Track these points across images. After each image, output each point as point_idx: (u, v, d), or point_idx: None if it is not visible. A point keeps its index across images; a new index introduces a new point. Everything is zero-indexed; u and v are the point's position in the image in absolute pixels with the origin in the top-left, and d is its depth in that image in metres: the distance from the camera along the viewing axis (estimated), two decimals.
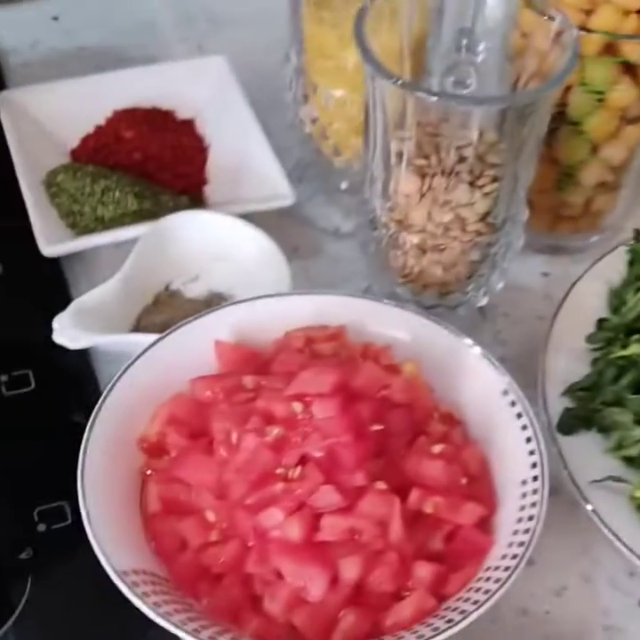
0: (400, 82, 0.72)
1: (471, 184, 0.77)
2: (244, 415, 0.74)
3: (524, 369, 0.87)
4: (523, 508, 0.73)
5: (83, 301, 0.85)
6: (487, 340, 0.90)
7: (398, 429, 0.74)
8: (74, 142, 1.02)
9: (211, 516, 0.72)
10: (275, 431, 0.72)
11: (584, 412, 0.83)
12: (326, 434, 0.71)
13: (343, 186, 1.00)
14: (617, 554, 0.78)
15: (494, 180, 0.77)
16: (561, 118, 0.87)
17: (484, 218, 0.79)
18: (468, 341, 0.80)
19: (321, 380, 0.72)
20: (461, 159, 0.76)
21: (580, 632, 0.77)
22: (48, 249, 0.91)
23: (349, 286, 0.95)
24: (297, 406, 0.72)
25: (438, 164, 0.76)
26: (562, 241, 0.99)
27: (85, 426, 0.74)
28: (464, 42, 0.80)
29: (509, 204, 0.79)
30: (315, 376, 0.73)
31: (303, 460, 0.71)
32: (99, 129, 1.02)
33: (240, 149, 1.01)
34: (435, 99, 0.72)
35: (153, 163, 0.99)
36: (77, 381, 0.89)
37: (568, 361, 0.86)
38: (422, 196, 0.77)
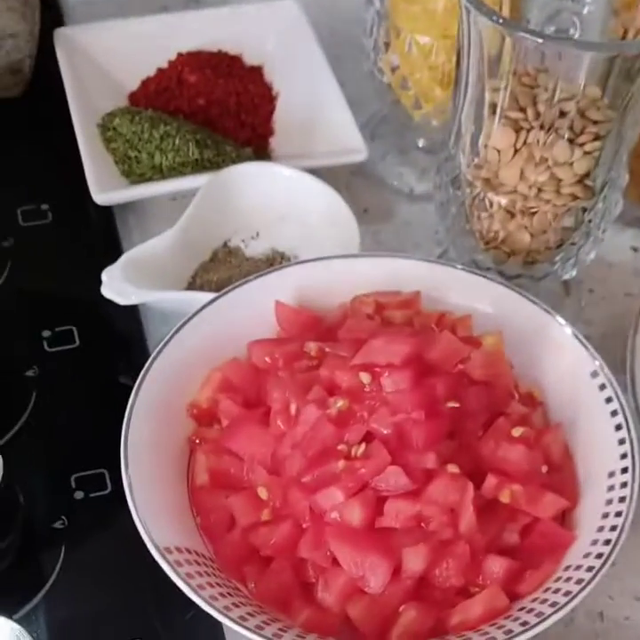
0: (501, 20, 0.64)
1: (571, 141, 0.70)
2: (306, 384, 0.69)
3: (610, 350, 0.81)
4: (609, 502, 0.67)
5: (135, 254, 0.79)
6: (570, 317, 0.83)
7: (475, 408, 0.69)
8: (133, 85, 0.96)
9: (263, 492, 0.67)
10: (339, 403, 0.67)
11: None
12: (395, 409, 0.66)
13: (420, 143, 0.94)
14: None
15: (596, 138, 0.70)
16: None
17: (581, 180, 0.72)
18: (556, 317, 0.73)
19: (393, 350, 0.67)
20: (561, 114, 0.69)
21: None
22: (101, 196, 0.85)
23: (422, 253, 0.89)
24: (365, 377, 0.67)
25: (535, 117, 0.70)
26: None
27: (132, 388, 0.69)
28: None
29: (611, 167, 0.72)
30: (386, 345, 0.67)
31: (368, 437, 0.66)
32: (160, 72, 0.96)
33: (310, 99, 0.95)
34: (540, 40, 0.64)
35: (216, 110, 0.93)
36: (125, 340, 0.83)
37: None
38: (516, 151, 0.71)
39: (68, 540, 0.72)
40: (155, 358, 0.71)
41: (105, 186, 0.85)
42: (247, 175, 0.84)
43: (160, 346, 0.71)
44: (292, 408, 0.67)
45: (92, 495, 0.74)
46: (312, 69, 0.95)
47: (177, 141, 0.87)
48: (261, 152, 0.93)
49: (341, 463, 0.64)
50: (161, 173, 0.88)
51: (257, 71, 0.98)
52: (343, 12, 0.94)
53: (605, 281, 0.89)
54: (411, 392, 0.65)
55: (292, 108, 0.95)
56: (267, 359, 0.71)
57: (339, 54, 0.98)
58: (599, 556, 0.63)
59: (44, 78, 0.97)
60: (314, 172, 0.86)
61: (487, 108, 0.71)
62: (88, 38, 0.96)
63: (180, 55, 0.96)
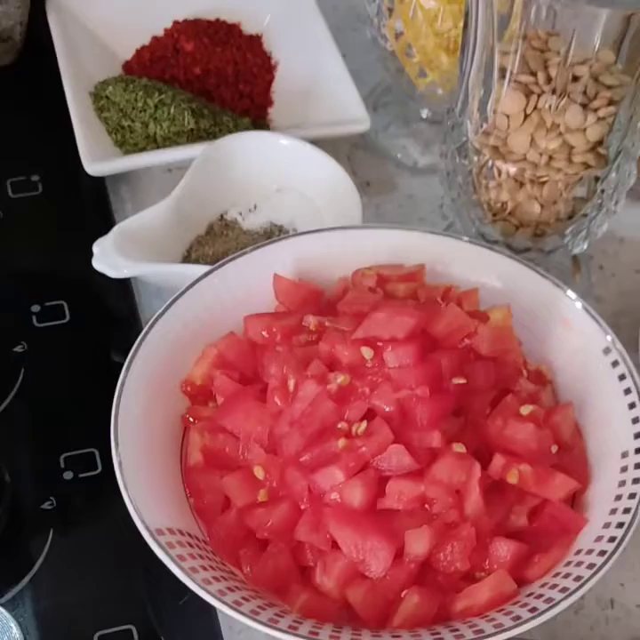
0: None
1: (584, 106, 0.67)
2: (305, 359, 0.66)
3: (621, 328, 0.78)
4: (622, 483, 0.64)
5: (127, 225, 0.76)
6: (580, 293, 0.80)
7: (482, 385, 0.66)
8: (128, 53, 0.93)
9: (259, 472, 0.64)
10: (339, 379, 0.63)
11: None
12: (399, 385, 0.63)
13: (424, 114, 0.91)
14: None
15: (610, 103, 0.67)
16: None
17: (594, 147, 0.69)
18: (567, 291, 0.70)
19: (396, 324, 0.64)
20: (574, 78, 0.66)
21: None
22: (93, 167, 0.82)
23: (427, 226, 0.85)
24: (366, 352, 0.64)
25: (547, 82, 0.67)
26: None
27: (119, 362, 0.67)
28: None
29: (625, 134, 0.69)
30: (389, 318, 0.64)
31: (370, 414, 0.63)
32: (156, 40, 0.93)
33: (311, 69, 0.92)
34: None
35: (213, 79, 0.90)
36: (118, 316, 0.80)
37: None
38: (526, 117, 0.68)
39: (57, 522, 0.69)
40: (146, 333, 0.68)
41: (97, 156, 0.82)
42: (244, 145, 0.81)
43: (152, 320, 0.68)
44: (291, 384, 0.64)
45: (81, 475, 0.71)
46: (313, 38, 0.92)
47: (172, 110, 0.84)
48: (260, 123, 0.90)
49: (341, 442, 0.61)
50: (155, 143, 0.85)
51: (256, 40, 0.95)
52: None
53: (616, 257, 0.86)
54: (415, 367, 0.62)
55: (292, 78, 0.93)
56: (264, 333, 0.68)
57: (340, 24, 0.96)
58: (612, 539, 0.60)
59: (35, 46, 0.94)
60: (314, 143, 0.83)
61: (496, 73, 0.68)
62: (81, 5, 0.93)
63: (176, 23, 0.93)
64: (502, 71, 0.68)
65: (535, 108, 0.68)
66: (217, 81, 0.90)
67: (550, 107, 0.67)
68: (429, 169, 0.89)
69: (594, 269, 0.85)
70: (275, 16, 0.96)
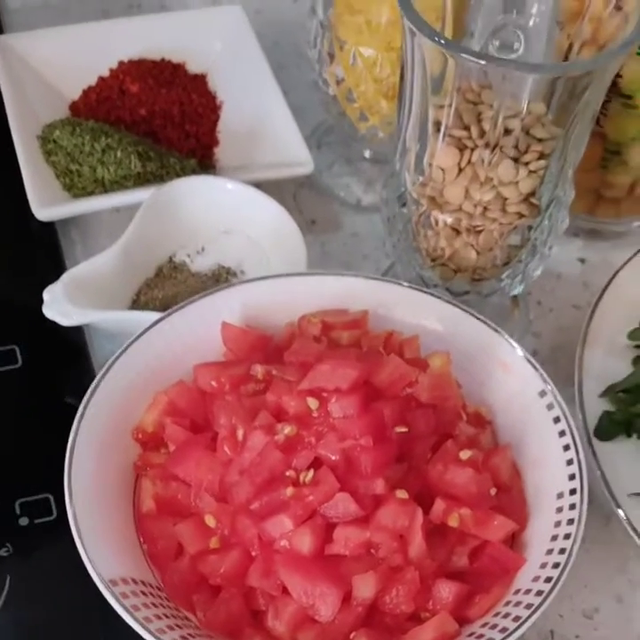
0: (444, 41, 0.64)
1: (516, 160, 0.69)
2: (253, 409, 0.67)
3: (558, 363, 0.82)
4: (558, 523, 0.66)
5: (77, 272, 0.78)
6: (519, 330, 0.83)
7: (423, 432, 0.68)
8: (74, 93, 0.94)
9: (211, 520, 0.66)
10: (286, 429, 0.65)
11: (624, 416, 0.76)
12: (343, 435, 0.65)
13: (366, 154, 0.93)
14: None
15: (541, 156, 0.70)
16: (612, 90, 0.79)
17: (527, 198, 0.71)
18: (505, 335, 0.73)
19: (340, 375, 0.65)
20: (506, 131, 0.68)
21: None
22: (42, 212, 0.83)
23: (370, 264, 0.89)
24: (312, 402, 0.66)
25: (480, 136, 0.69)
26: (601, 225, 0.92)
27: (77, 408, 0.67)
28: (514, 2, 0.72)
29: (556, 184, 0.72)
30: (333, 370, 0.66)
31: (316, 463, 0.65)
32: (101, 81, 0.94)
33: (255, 109, 0.93)
34: (482, 62, 0.63)
35: (159, 120, 0.91)
36: (70, 359, 0.81)
37: (607, 357, 0.79)
38: (460, 170, 0.70)
39: (14, 568, 0.70)
40: (100, 381, 0.69)
41: (46, 201, 0.83)
42: (190, 189, 0.83)
43: (105, 368, 0.70)
44: (239, 434, 0.66)
45: (37, 521, 0.72)
46: (256, 78, 0.94)
47: (119, 154, 0.85)
48: (206, 163, 0.91)
49: (290, 490, 0.63)
50: (103, 187, 0.86)
51: (200, 80, 0.96)
52: (287, 21, 0.93)
53: (553, 293, 0.89)
54: (358, 418, 0.64)
55: (237, 118, 0.94)
56: (213, 383, 0.69)
57: (282, 60, 0.97)
58: (548, 579, 0.63)
59: None
60: (259, 184, 0.84)
61: (431, 126, 0.70)
62: (27, 46, 0.94)
63: (121, 63, 0.94)
64: (437, 125, 0.70)
65: (469, 161, 0.69)
66: (163, 122, 0.91)
67: (483, 161, 0.69)
68: (373, 207, 0.90)
69: (532, 305, 0.87)
70: (219, 56, 0.97)
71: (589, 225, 0.91)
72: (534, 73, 0.65)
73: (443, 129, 0.70)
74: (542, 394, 0.71)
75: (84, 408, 0.68)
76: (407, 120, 0.71)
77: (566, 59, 0.73)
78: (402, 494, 0.64)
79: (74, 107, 0.93)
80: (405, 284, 0.76)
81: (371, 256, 0.89)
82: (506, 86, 0.67)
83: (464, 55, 0.64)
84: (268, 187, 0.85)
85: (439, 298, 0.75)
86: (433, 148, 0.71)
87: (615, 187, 0.88)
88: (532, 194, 0.71)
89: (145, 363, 0.71)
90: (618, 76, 0.79)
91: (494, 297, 0.79)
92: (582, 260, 0.91)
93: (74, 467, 0.65)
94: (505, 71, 0.65)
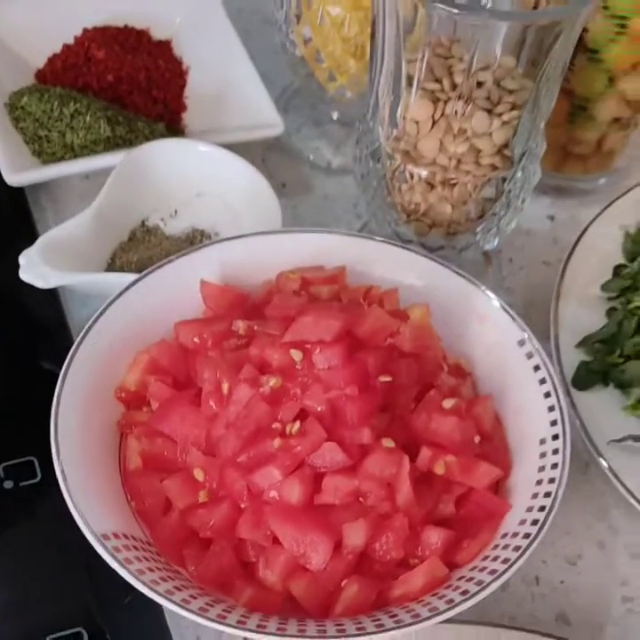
0: None
1: (489, 112, 0.70)
2: (236, 363, 0.67)
3: (531, 318, 0.82)
4: (542, 468, 0.67)
5: (52, 236, 0.77)
6: (492, 286, 0.84)
7: (406, 381, 0.68)
8: (40, 62, 0.94)
9: (199, 474, 0.66)
10: (271, 382, 0.66)
11: (601, 366, 0.77)
12: (328, 385, 0.65)
13: (335, 116, 0.93)
14: (636, 518, 0.73)
15: (514, 107, 0.70)
16: (578, 46, 0.79)
17: (500, 150, 0.72)
18: (482, 287, 0.73)
19: (323, 326, 0.66)
20: (478, 84, 0.69)
21: (597, 604, 0.71)
22: (13, 177, 0.82)
23: (342, 226, 0.89)
24: (296, 354, 0.66)
25: (452, 88, 0.69)
26: (569, 182, 0.93)
27: (56, 373, 0.67)
28: None
29: (528, 136, 0.72)
30: (316, 321, 0.66)
31: (302, 414, 0.65)
32: (67, 48, 0.93)
33: (222, 74, 0.93)
34: (455, 11, 0.64)
35: (126, 86, 0.91)
36: (46, 324, 0.81)
37: (581, 310, 0.81)
38: (434, 123, 0.70)
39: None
40: (79, 344, 0.69)
41: (17, 166, 0.82)
42: (162, 152, 0.82)
43: (83, 331, 0.69)
44: (224, 388, 0.66)
45: (22, 484, 0.72)
46: (222, 42, 0.94)
47: (88, 119, 0.84)
48: (174, 128, 0.91)
49: (277, 441, 0.63)
50: (73, 152, 0.86)
51: (165, 45, 0.96)
52: None
53: (523, 249, 0.89)
54: (343, 368, 0.65)
55: (204, 83, 0.94)
56: (195, 339, 0.70)
57: (247, 26, 0.97)
58: (534, 522, 0.64)
59: None
60: (229, 147, 0.84)
61: (404, 80, 0.70)
62: None
63: (86, 31, 0.93)
64: (409, 79, 0.70)
65: (442, 114, 0.70)
66: (129, 88, 0.91)
67: (456, 113, 0.69)
68: (343, 170, 0.91)
69: (504, 262, 0.88)
70: (182, 21, 0.97)
71: (557, 182, 0.92)
72: (507, 20, 0.66)
73: (415, 82, 0.70)
74: (521, 343, 0.72)
75: (66, 370, 0.67)
76: (379, 75, 0.72)
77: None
78: (388, 443, 0.64)
79: (39, 74, 0.93)
80: (380, 239, 0.76)
81: (343, 218, 0.90)
82: (476, 37, 0.67)
83: (436, 4, 0.64)
84: (237, 150, 0.85)
85: (415, 252, 0.75)
86: (406, 101, 0.71)
87: (582, 143, 0.88)
88: (505, 146, 0.72)
89: (124, 323, 0.71)
90: (584, 30, 0.80)
91: (468, 253, 0.80)
92: (551, 218, 0.92)
93: (60, 427, 0.65)
94: (477, 19, 0.65)
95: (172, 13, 0.97)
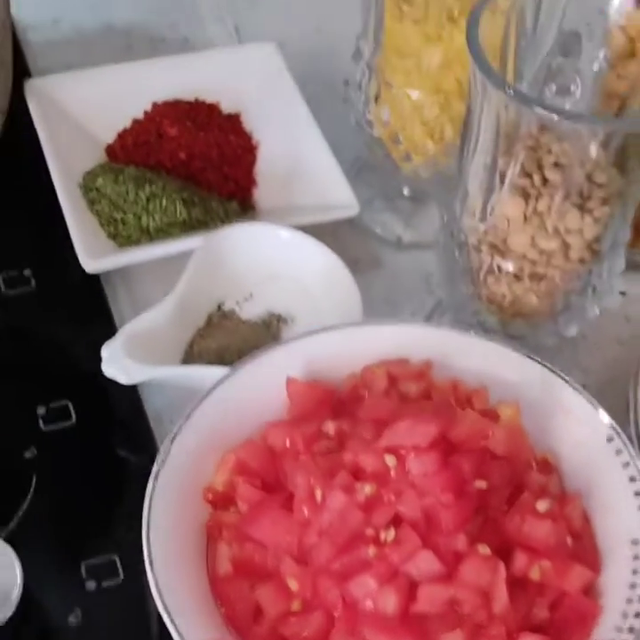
0: (520, 96, 0.64)
1: (580, 207, 0.69)
2: (329, 469, 0.67)
3: (608, 399, 0.81)
4: (636, 571, 0.66)
5: (135, 327, 0.76)
6: (567, 366, 0.83)
7: (498, 484, 0.67)
8: (108, 137, 0.93)
9: (293, 583, 0.65)
10: (366, 488, 0.65)
11: None
12: (423, 492, 0.64)
13: (405, 191, 0.92)
14: None
15: (604, 202, 0.69)
16: None
17: (589, 244, 0.71)
18: (570, 380, 0.73)
19: (419, 432, 0.65)
20: (569, 179, 0.68)
21: None
22: (91, 264, 0.81)
23: (414, 303, 0.88)
24: (390, 460, 0.66)
25: (542, 184, 0.68)
26: None
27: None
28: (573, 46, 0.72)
29: (618, 230, 0.72)
30: (412, 427, 0.66)
31: (395, 521, 0.64)
32: (137, 124, 0.92)
33: (292, 148, 0.92)
34: (556, 117, 0.63)
35: (199, 163, 0.90)
36: (123, 412, 0.80)
37: None
38: (526, 219, 0.70)
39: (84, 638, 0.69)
40: (172, 442, 0.68)
41: (94, 252, 0.81)
42: (242, 237, 0.82)
43: (176, 429, 0.69)
44: (318, 494, 0.66)
45: (104, 584, 0.71)
46: (292, 116, 0.92)
47: (164, 202, 0.84)
48: (246, 205, 0.90)
49: (371, 550, 0.63)
50: (148, 235, 0.85)
51: (235, 119, 0.94)
52: (321, 56, 0.91)
53: (597, 327, 0.88)
54: (438, 474, 0.64)
55: (274, 158, 0.93)
56: (286, 442, 0.69)
57: (317, 98, 0.95)
58: (631, 630, 0.63)
59: (15, 132, 0.91)
60: (302, 227, 0.84)
61: (497, 176, 0.70)
62: (58, 89, 0.92)
63: (156, 105, 0.92)
64: (502, 175, 0.70)
65: (534, 211, 0.69)
66: (202, 165, 0.90)
67: (550, 209, 0.69)
68: (412, 245, 0.91)
69: (578, 340, 0.88)
70: (253, 94, 0.95)
71: (629, 256, 0.91)
72: (609, 128, 0.66)
73: (508, 178, 0.69)
74: (609, 439, 0.71)
75: (159, 468, 0.67)
76: (469, 169, 0.71)
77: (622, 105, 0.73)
78: (484, 550, 0.64)
79: (110, 150, 0.92)
80: (462, 329, 0.76)
81: (414, 295, 0.89)
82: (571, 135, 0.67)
83: (539, 109, 0.64)
84: (306, 227, 0.84)
85: (500, 344, 0.75)
86: (497, 196, 0.70)
87: None
88: (595, 240, 0.71)
89: (211, 421, 0.70)
90: None
91: (548, 340, 0.79)
92: (623, 293, 0.91)
93: (151, 533, 0.64)
94: (579, 126, 0.65)
95: (241, 85, 0.96)
